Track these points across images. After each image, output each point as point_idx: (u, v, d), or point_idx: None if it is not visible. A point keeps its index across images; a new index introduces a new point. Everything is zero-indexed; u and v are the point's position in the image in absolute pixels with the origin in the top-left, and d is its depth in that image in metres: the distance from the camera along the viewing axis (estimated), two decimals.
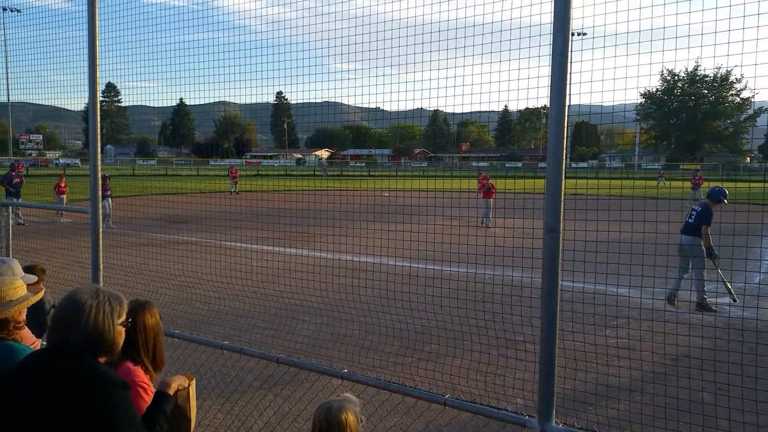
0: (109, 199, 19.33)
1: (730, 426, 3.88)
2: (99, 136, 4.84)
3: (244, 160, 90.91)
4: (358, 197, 7.49)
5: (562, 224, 2.87)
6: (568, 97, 2.84)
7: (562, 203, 2.87)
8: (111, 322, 2.16)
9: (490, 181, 21.59)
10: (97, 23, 4.67)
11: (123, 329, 2.23)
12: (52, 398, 1.98)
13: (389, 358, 6.33)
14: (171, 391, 2.45)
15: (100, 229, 4.89)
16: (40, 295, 2.97)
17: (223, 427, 5.19)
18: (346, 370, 3.79)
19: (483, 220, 20.39)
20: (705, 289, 9.27)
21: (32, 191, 23.39)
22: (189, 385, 2.69)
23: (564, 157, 2.85)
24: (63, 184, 21.97)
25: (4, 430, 1.99)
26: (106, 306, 2.17)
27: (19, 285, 2.85)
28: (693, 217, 9.41)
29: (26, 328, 3.01)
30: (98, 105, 4.78)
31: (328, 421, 2.27)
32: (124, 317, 2.24)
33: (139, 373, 2.60)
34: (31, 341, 3.07)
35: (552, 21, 2.79)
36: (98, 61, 4.72)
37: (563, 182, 2.86)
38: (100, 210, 4.89)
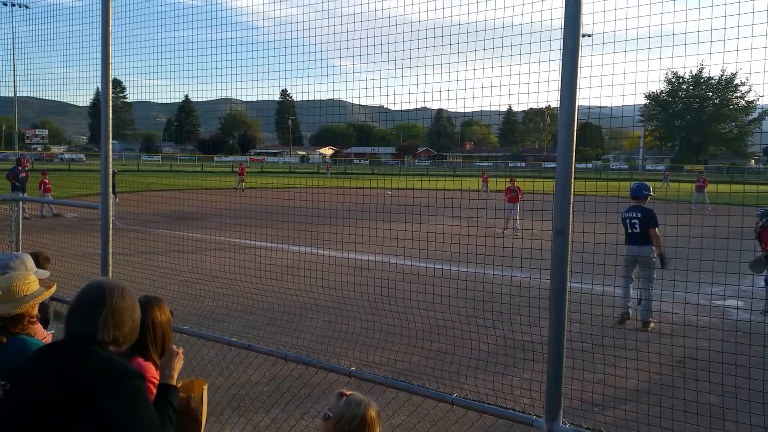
0: (115, 197, 19.24)
1: (737, 428, 3.89)
2: (110, 133, 4.86)
3: (248, 157, 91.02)
4: (362, 196, 7.51)
5: (571, 226, 2.89)
6: (577, 101, 2.85)
7: (572, 205, 2.88)
8: (134, 311, 2.24)
9: (516, 184, 19.94)
10: (110, 21, 4.70)
11: (136, 323, 2.29)
12: (69, 390, 2.01)
13: (396, 356, 6.35)
14: (173, 381, 2.45)
15: (110, 225, 4.92)
16: (53, 290, 3.00)
17: (230, 424, 5.22)
18: (353, 368, 3.81)
19: (512, 224, 19.00)
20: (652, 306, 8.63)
21: (37, 186, 23.44)
22: (202, 389, 2.71)
23: (573, 160, 2.86)
24: (47, 181, 21.69)
25: (23, 423, 2.01)
26: (128, 297, 2.23)
27: (32, 280, 2.88)
28: (636, 225, 8.71)
29: (38, 322, 3.05)
30: (110, 101, 4.82)
31: (361, 417, 2.26)
32: (137, 312, 2.31)
33: (151, 369, 2.63)
34: (42, 335, 3.10)
35: (563, 26, 2.80)
36: (111, 59, 4.75)
37: (572, 184, 2.87)
38: (110, 205, 4.92)
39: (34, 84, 7.16)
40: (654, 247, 8.67)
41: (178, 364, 2.53)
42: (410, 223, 5.89)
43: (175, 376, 2.47)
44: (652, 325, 8.51)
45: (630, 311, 8.77)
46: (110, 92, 4.77)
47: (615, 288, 8.68)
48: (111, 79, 4.78)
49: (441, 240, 5.37)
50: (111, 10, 4.68)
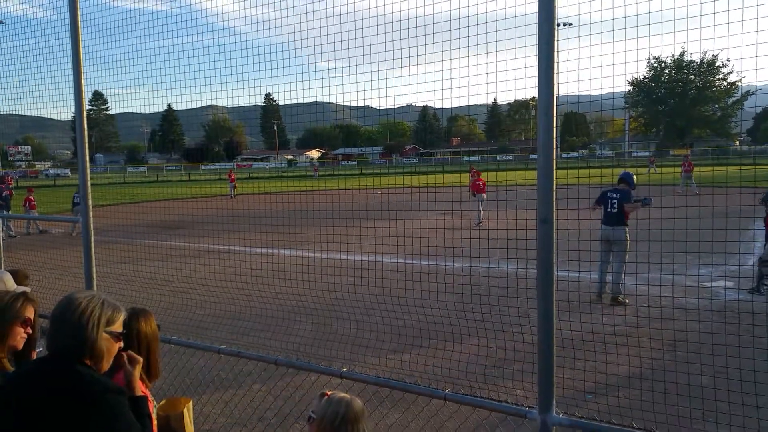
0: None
1: (730, 408, 3.90)
2: (87, 145, 4.80)
3: (235, 164, 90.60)
4: (350, 196, 7.47)
5: (555, 214, 2.87)
6: (556, 86, 2.84)
7: (555, 193, 2.87)
8: (95, 323, 2.11)
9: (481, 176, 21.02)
10: (80, 31, 4.63)
11: (111, 339, 2.17)
12: (52, 407, 1.97)
13: (387, 355, 6.32)
14: (136, 390, 2.36)
15: (92, 238, 4.86)
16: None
17: (223, 431, 5.16)
18: (345, 369, 3.78)
19: (477, 220, 19.30)
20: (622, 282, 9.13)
21: (22, 203, 23.21)
22: (183, 409, 2.65)
23: (554, 147, 2.84)
24: (32, 198, 21.60)
25: None
26: (96, 307, 2.14)
27: None
28: (615, 205, 9.23)
29: None
30: (84, 114, 4.75)
31: (344, 415, 2.23)
32: (114, 327, 2.19)
33: None
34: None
35: (537, 11, 2.79)
36: (83, 70, 4.69)
37: (554, 171, 2.85)
38: (91, 219, 4.85)
39: (13, 100, 7.05)
40: (627, 224, 9.21)
41: (136, 370, 2.42)
42: (400, 220, 5.87)
43: (136, 385, 2.37)
44: (620, 299, 8.92)
45: (606, 290, 9.23)
46: (84, 103, 4.70)
47: (591, 273, 8.92)
48: (84, 90, 4.71)
49: (427, 236, 5.35)
50: (80, 22, 4.61)
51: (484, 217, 19.05)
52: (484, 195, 19.93)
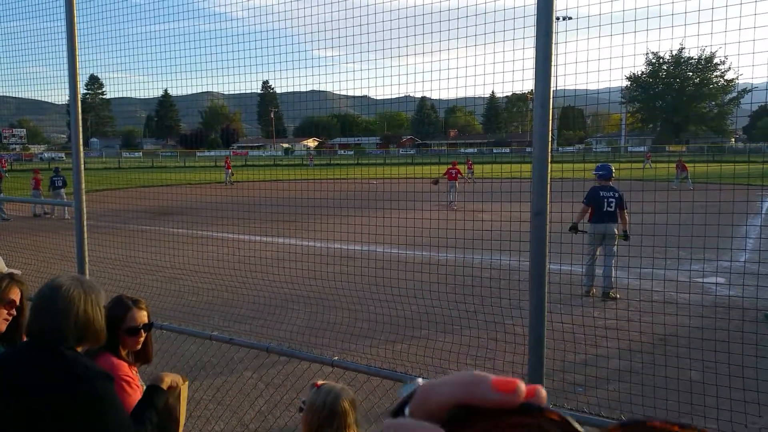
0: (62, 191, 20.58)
1: (718, 403, 3.93)
2: (80, 129, 4.77)
3: (231, 151, 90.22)
4: (346, 185, 7.47)
5: (549, 207, 2.87)
6: (553, 79, 2.83)
7: (549, 185, 2.87)
8: (82, 307, 2.13)
9: (458, 166, 23.25)
10: (75, 12, 4.59)
11: (96, 323, 2.18)
12: (36, 392, 1.95)
13: (380, 344, 6.34)
14: (165, 386, 2.41)
15: (85, 222, 4.84)
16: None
17: (214, 418, 5.18)
18: (336, 358, 3.80)
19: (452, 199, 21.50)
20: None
21: (16, 186, 23.10)
22: (181, 386, 2.65)
23: (549, 139, 2.84)
24: (38, 179, 21.69)
25: None
26: (81, 291, 2.14)
27: None
28: (612, 205, 9.27)
29: None
30: (78, 97, 4.71)
31: (332, 406, 2.24)
32: (100, 311, 2.21)
33: (123, 367, 2.57)
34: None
35: (536, 2, 2.78)
36: (78, 53, 4.65)
37: (549, 164, 2.86)
38: (84, 203, 4.83)
39: (7, 82, 7.00)
40: (620, 224, 9.37)
41: (173, 377, 2.47)
42: (395, 210, 5.87)
43: (167, 381, 2.41)
44: (612, 294, 8.99)
45: (593, 287, 9.28)
46: (78, 87, 4.67)
47: (583, 267, 8.99)
48: (79, 73, 4.67)
49: (422, 226, 5.35)
50: (75, 3, 4.57)
51: (455, 207, 20.50)
52: (456, 183, 22.05)
